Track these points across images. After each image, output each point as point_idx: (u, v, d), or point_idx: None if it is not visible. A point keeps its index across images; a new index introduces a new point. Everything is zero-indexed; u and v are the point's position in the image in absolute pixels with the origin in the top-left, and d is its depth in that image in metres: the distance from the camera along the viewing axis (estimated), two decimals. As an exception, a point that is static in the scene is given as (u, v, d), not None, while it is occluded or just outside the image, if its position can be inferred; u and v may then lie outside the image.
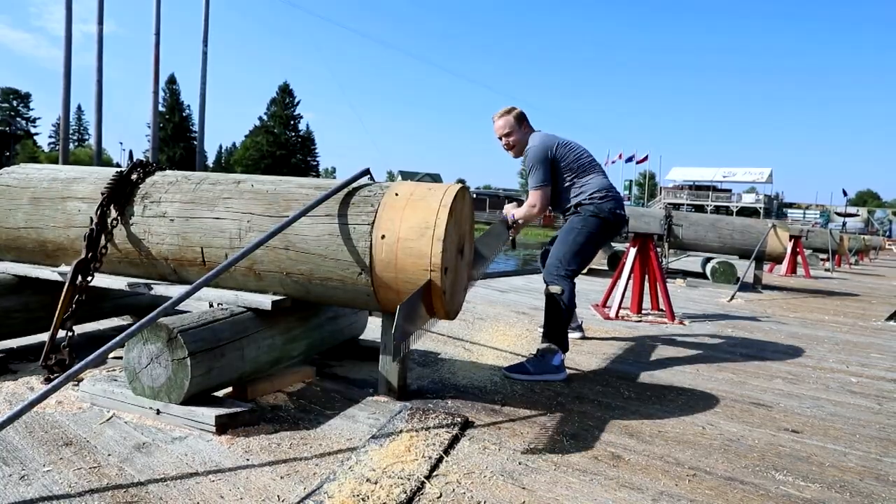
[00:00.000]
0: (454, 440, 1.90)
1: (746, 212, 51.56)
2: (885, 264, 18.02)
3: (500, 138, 3.15)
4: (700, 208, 52.70)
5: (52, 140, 79.04)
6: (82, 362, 1.63)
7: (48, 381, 2.19)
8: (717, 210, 53.35)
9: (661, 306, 4.71)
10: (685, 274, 8.26)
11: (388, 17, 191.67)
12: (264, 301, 2.16)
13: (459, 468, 1.72)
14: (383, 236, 2.07)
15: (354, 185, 2.25)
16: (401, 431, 1.91)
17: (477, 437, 1.96)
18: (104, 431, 1.83)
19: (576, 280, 2.96)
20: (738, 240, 7.43)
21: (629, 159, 56.99)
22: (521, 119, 3.14)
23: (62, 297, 2.27)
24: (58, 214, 2.52)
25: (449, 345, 3.27)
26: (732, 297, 6.09)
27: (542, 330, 3.76)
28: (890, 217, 52.52)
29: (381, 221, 2.09)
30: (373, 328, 3.00)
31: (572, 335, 3.59)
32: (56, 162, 24.19)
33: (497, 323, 4.03)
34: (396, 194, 2.15)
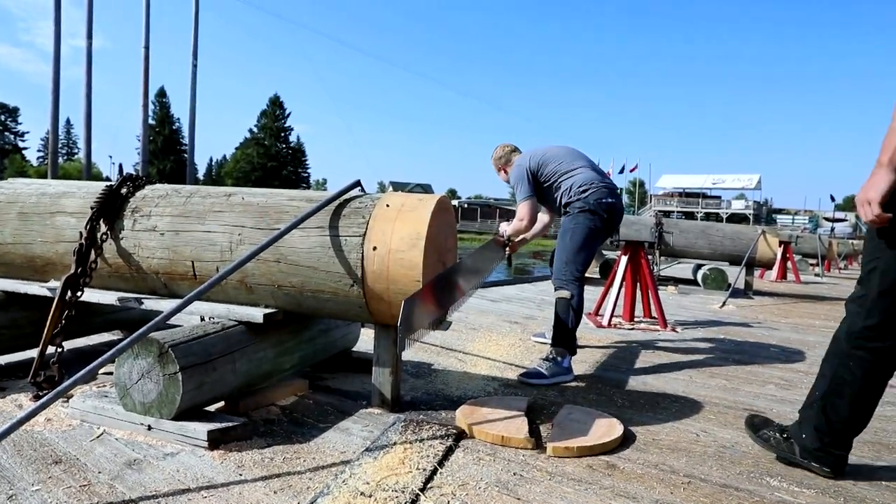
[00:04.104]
0: (448, 452, 1.90)
1: (736, 218, 51.95)
2: (873, 269, 18.14)
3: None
4: (690, 215, 53.05)
5: (41, 154, 78.58)
6: (72, 379, 1.62)
7: (37, 398, 2.17)
8: (707, 217, 53.70)
9: (654, 314, 4.72)
10: (676, 281, 8.30)
11: (379, 30, 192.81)
12: (256, 314, 2.15)
13: (454, 480, 1.71)
14: (375, 248, 2.07)
15: (345, 196, 2.25)
16: (395, 444, 1.90)
17: (471, 448, 1.95)
18: (94, 448, 1.81)
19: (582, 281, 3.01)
20: (729, 246, 7.47)
21: (621, 170, 57.42)
22: (501, 159, 3.40)
23: (51, 313, 2.25)
24: (46, 229, 2.50)
25: (442, 355, 3.26)
26: (724, 304, 6.12)
27: (534, 339, 3.79)
28: (877, 222, 52.91)
29: (372, 233, 2.09)
30: (365, 340, 2.99)
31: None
32: (45, 176, 24.06)
33: (490, 333, 4.03)
34: (387, 205, 2.15)
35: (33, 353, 2.29)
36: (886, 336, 1.67)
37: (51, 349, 2.25)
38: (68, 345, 2.56)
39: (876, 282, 1.67)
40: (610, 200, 3.03)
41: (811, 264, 12.41)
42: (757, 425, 2.06)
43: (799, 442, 1.87)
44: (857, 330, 1.72)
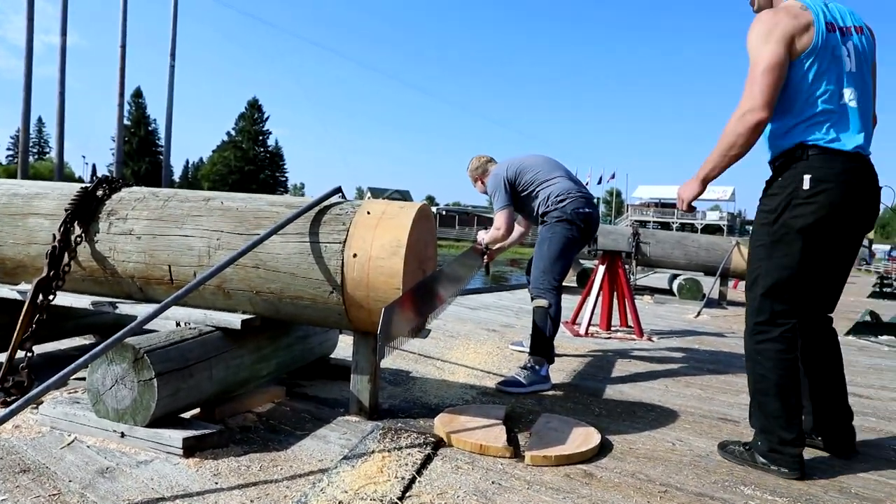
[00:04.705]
0: (427, 460, 1.89)
1: (711, 229, 52.75)
2: (842, 280, 18.55)
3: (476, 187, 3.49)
4: (666, 226, 53.68)
5: (11, 153, 76.81)
6: (43, 385, 1.58)
7: (5, 404, 2.11)
8: (683, 227, 54.39)
9: (630, 323, 4.77)
10: (653, 290, 8.39)
11: (360, 36, 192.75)
12: (234, 320, 2.13)
13: (432, 488, 1.71)
14: (355, 255, 2.06)
15: (326, 203, 2.24)
16: (373, 452, 1.89)
17: (450, 456, 1.95)
18: (65, 456, 1.77)
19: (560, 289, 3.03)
20: (704, 257, 7.58)
21: (599, 181, 58.17)
22: (477, 170, 3.41)
23: (21, 317, 2.20)
24: (18, 231, 2.44)
25: (420, 363, 3.26)
26: (699, 314, 6.20)
27: (512, 347, 3.81)
28: (846, 234, 54.19)
29: (352, 240, 2.08)
30: (343, 347, 2.97)
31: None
32: (14, 176, 23.51)
33: (468, 340, 4.03)
34: (368, 213, 2.15)
35: (1, 357, 2.24)
36: (775, 326, 1.98)
37: (20, 354, 2.20)
38: (39, 349, 2.51)
39: (760, 285, 2.00)
40: (587, 210, 3.06)
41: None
42: (725, 444, 2.16)
43: (756, 449, 2.01)
44: (752, 326, 2.03)
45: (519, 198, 3.16)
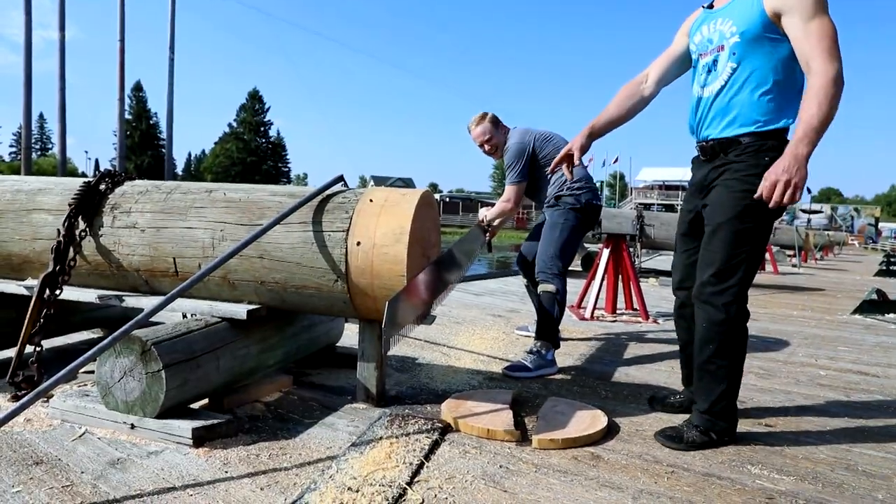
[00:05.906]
0: (434, 445, 1.90)
1: (714, 210, 52.32)
2: (848, 259, 18.52)
3: (482, 145, 3.24)
4: (670, 208, 53.45)
5: (14, 150, 76.98)
6: (52, 378, 1.59)
7: (16, 398, 2.14)
8: (687, 209, 54.09)
9: (635, 305, 4.77)
10: (657, 273, 8.38)
11: (359, 23, 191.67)
12: (239, 310, 2.14)
13: (440, 473, 1.72)
14: (359, 243, 2.06)
15: (328, 192, 2.24)
16: (381, 438, 1.91)
17: (457, 441, 1.96)
18: (76, 448, 1.79)
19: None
20: (708, 238, 7.54)
21: (602, 164, 57.96)
22: (496, 121, 3.24)
23: (29, 312, 2.21)
24: (23, 227, 2.45)
25: (426, 349, 3.27)
26: (704, 295, 6.18)
27: (518, 332, 3.81)
28: (852, 213, 53.90)
29: (356, 228, 2.08)
30: (349, 335, 2.98)
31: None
32: (18, 172, 23.59)
33: (473, 326, 4.04)
34: (371, 200, 2.15)
35: (11, 352, 2.26)
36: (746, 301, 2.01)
37: (29, 348, 2.22)
38: (47, 343, 2.53)
39: (744, 269, 1.96)
40: (597, 203, 3.12)
41: (788, 255, 12.61)
42: (673, 436, 2.03)
43: (715, 429, 2.01)
44: (737, 313, 1.96)
45: (536, 170, 3.13)
